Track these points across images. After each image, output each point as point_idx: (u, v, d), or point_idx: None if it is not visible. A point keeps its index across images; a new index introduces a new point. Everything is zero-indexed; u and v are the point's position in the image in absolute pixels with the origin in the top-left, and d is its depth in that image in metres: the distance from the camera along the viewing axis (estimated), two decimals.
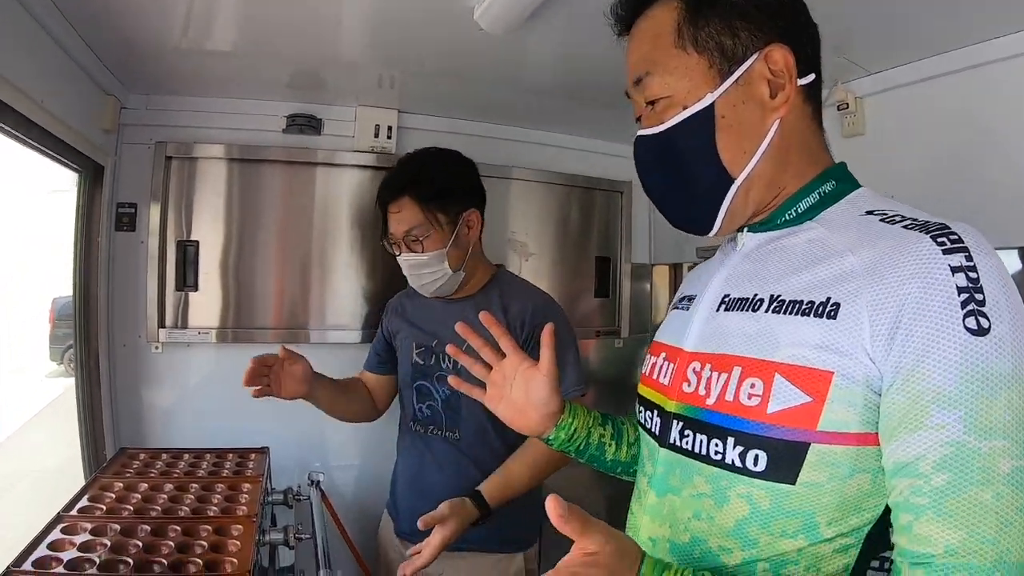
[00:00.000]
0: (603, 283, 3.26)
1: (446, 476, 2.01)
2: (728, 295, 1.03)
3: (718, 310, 1.03)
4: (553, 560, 0.83)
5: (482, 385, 1.36)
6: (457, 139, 2.25)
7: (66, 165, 2.26)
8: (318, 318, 2.71)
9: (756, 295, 0.97)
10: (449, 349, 1.43)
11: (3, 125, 1.72)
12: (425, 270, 1.95)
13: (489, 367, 1.35)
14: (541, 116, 2.87)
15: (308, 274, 2.69)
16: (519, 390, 1.28)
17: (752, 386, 0.90)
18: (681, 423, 1.01)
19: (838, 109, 2.15)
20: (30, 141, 1.92)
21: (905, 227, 0.87)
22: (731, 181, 0.98)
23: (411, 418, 2.12)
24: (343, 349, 2.69)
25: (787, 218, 1.01)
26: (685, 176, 1.01)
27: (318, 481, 2.02)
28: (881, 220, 0.91)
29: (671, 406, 1.04)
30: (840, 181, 1.01)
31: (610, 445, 1.34)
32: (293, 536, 1.69)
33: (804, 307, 0.89)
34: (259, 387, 1.88)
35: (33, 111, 1.79)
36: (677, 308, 1.19)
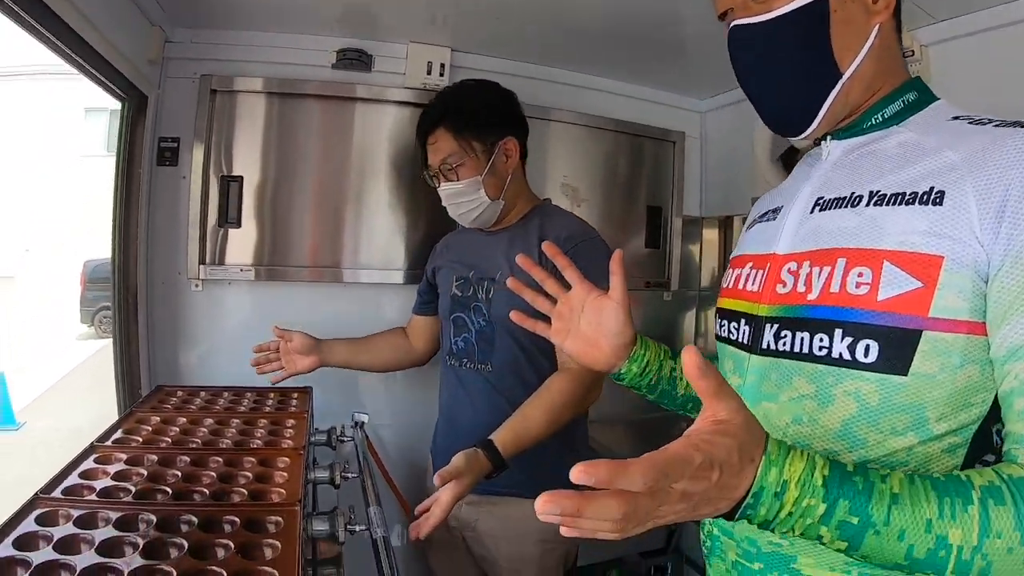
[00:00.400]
0: (654, 233, 3.16)
1: (478, 412, 1.95)
2: (822, 197, 1.01)
3: (812, 212, 1.02)
4: None
5: (546, 320, 1.30)
6: (509, 80, 2.14)
7: (111, 91, 2.19)
8: (358, 258, 2.64)
9: (854, 193, 0.96)
10: (510, 283, 1.34)
11: (56, 41, 1.68)
12: (462, 199, 1.92)
13: (553, 301, 1.29)
14: (594, 61, 2.82)
15: (350, 213, 2.62)
16: (589, 322, 1.23)
17: (860, 275, 0.88)
18: (776, 325, 0.99)
19: (904, 56, 2.03)
20: (80, 61, 1.86)
21: (996, 126, 0.88)
22: (839, 76, 0.98)
23: (447, 351, 2.08)
24: (384, 290, 2.68)
25: (873, 123, 1.01)
26: (792, 68, 1.00)
27: (362, 423, 1.95)
28: (969, 123, 0.92)
29: (763, 310, 1.02)
30: (921, 92, 1.02)
31: (681, 379, 1.30)
32: (339, 474, 1.61)
33: (907, 197, 0.88)
34: (274, 371, 1.99)
35: (84, 29, 1.73)
36: (760, 222, 1.16)
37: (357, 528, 1.37)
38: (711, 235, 3.36)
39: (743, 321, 1.07)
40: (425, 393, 2.49)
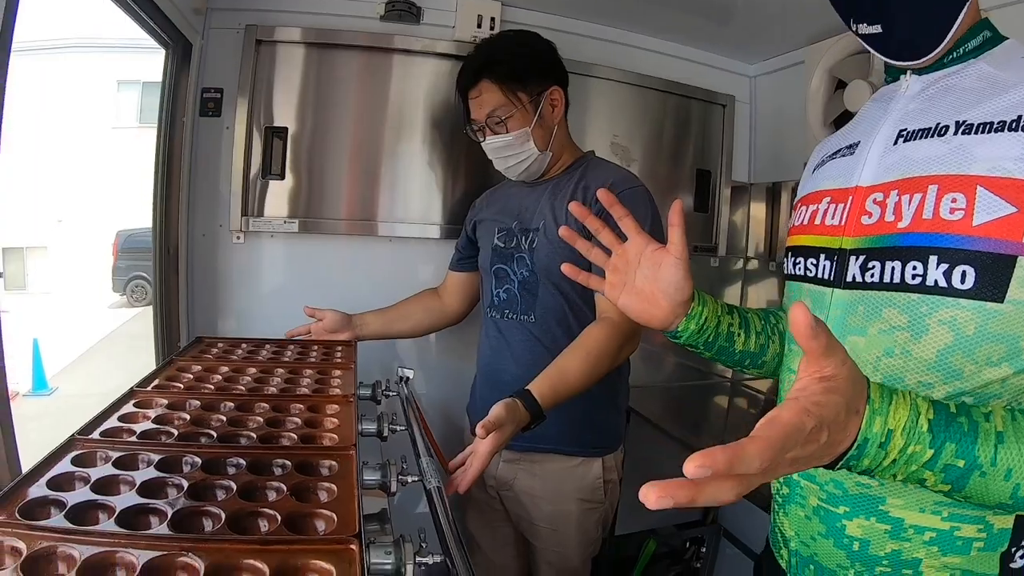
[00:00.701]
0: (703, 197, 3.10)
1: (520, 364, 1.91)
2: (905, 129, 0.99)
3: (896, 144, 0.99)
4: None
5: (599, 273, 1.25)
6: (559, 36, 2.09)
7: (156, 36, 2.17)
8: (396, 212, 2.60)
9: (939, 123, 0.94)
10: (562, 231, 1.27)
11: None
12: (511, 151, 1.87)
13: (608, 253, 1.23)
14: (643, 20, 2.80)
15: (389, 167, 2.58)
16: (646, 276, 1.17)
17: (953, 200, 0.86)
18: (863, 257, 0.96)
19: None
20: (128, 2, 1.86)
21: None
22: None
23: (489, 304, 2.04)
24: (422, 245, 2.66)
25: (955, 56, 0.99)
26: None
27: (407, 378, 1.90)
28: None
29: (847, 243, 1.00)
30: (992, 30, 1.01)
31: (739, 335, 1.24)
32: (387, 427, 1.57)
33: (995, 126, 0.87)
34: None
35: None
36: (834, 159, 1.12)
37: (409, 479, 1.32)
38: (759, 202, 3.29)
39: (823, 256, 1.04)
40: (461, 350, 2.51)
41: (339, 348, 2.01)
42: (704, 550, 2.92)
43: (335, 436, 1.33)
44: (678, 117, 3.04)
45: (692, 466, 0.59)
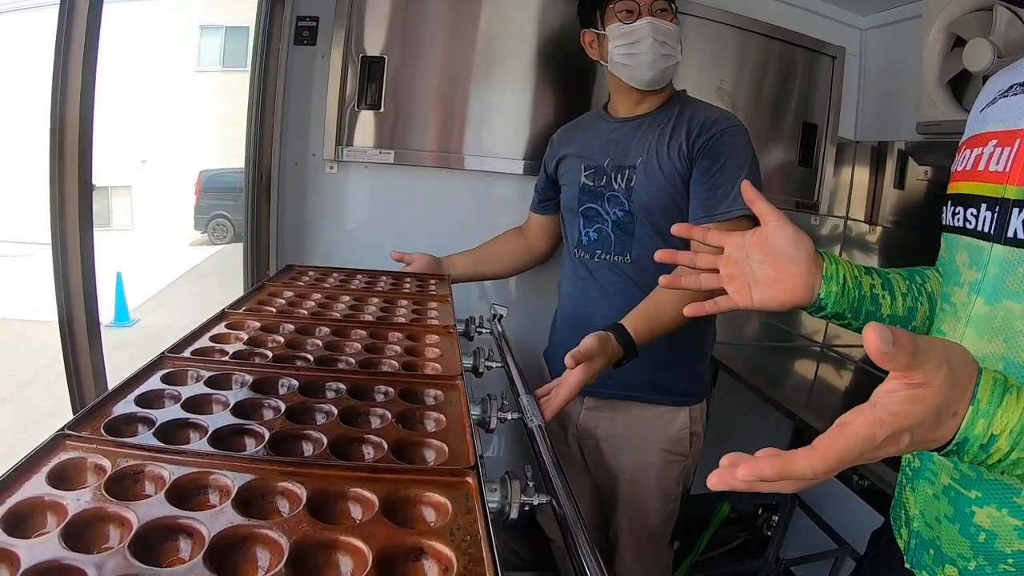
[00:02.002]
0: (807, 152, 2.94)
1: (612, 306, 1.81)
2: None
3: None
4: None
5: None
6: None
7: None
8: (482, 145, 2.55)
9: None
10: (659, 255, 1.20)
11: None
12: (671, 42, 1.77)
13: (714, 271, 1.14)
14: None
15: (476, 99, 2.52)
16: (762, 261, 1.08)
17: None
18: None
19: None
20: None
21: None
22: None
23: (575, 244, 1.95)
24: (507, 179, 2.60)
25: None
26: None
27: (501, 315, 1.83)
28: None
29: (1011, 192, 0.86)
30: None
31: (884, 296, 1.11)
32: (483, 363, 1.51)
33: None
34: None
35: None
36: (1006, 96, 0.95)
37: (509, 416, 1.26)
38: (863, 162, 3.10)
39: (984, 206, 0.90)
40: (536, 292, 2.50)
41: (433, 281, 1.97)
42: (776, 518, 2.87)
43: (438, 366, 1.27)
44: (783, 66, 2.88)
45: (740, 475, 0.62)
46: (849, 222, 3.12)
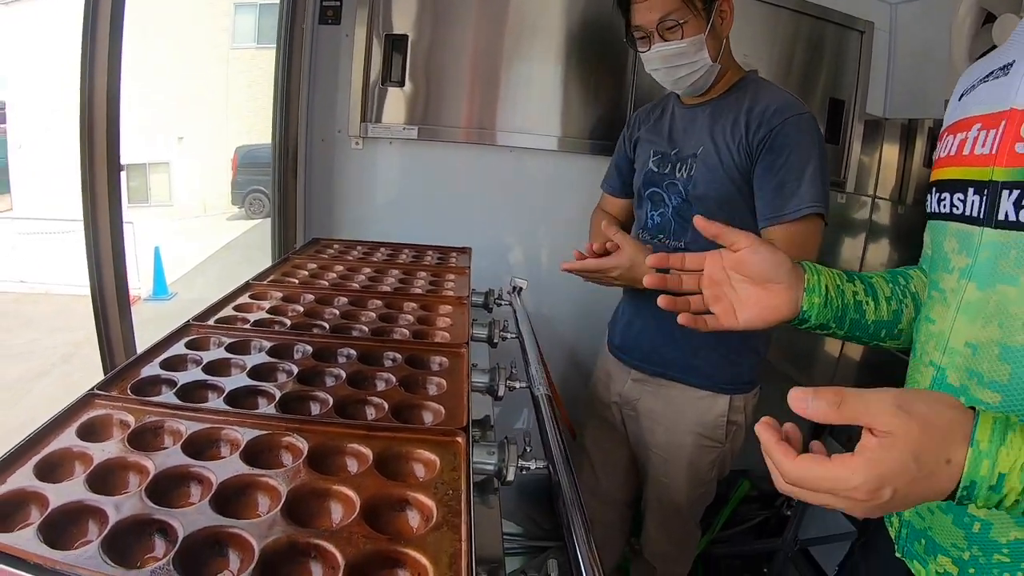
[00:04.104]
0: (834, 128, 2.90)
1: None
2: None
3: None
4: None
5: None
6: None
7: None
8: (513, 121, 2.54)
9: None
10: (647, 281, 1.14)
11: None
12: (683, 60, 1.70)
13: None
14: None
15: (506, 75, 2.51)
16: (742, 280, 1.06)
17: None
18: (1017, 191, 0.81)
19: None
20: None
21: None
22: None
23: (641, 226, 1.93)
24: (536, 155, 2.58)
25: None
26: None
27: (520, 288, 1.87)
28: None
29: (999, 175, 0.84)
30: None
31: (867, 303, 1.09)
32: (498, 333, 1.56)
33: None
34: None
35: None
36: (987, 81, 0.94)
37: (517, 385, 1.30)
38: (892, 141, 3.07)
39: (971, 190, 0.89)
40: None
41: (454, 254, 2.03)
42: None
43: (447, 335, 1.33)
44: (811, 41, 2.83)
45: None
46: (877, 200, 3.09)
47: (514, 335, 1.58)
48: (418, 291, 1.60)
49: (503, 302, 1.82)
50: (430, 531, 0.72)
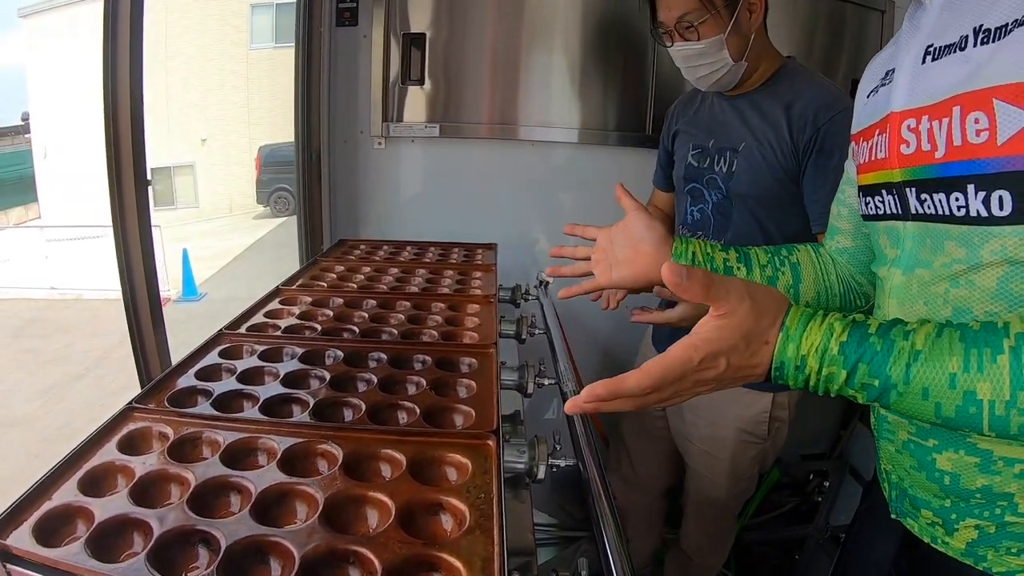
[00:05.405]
0: None
1: None
2: (932, 45, 0.88)
3: (924, 63, 0.89)
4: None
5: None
6: None
7: None
8: (535, 115, 2.54)
9: (961, 35, 0.83)
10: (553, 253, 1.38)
11: None
12: (701, 61, 1.66)
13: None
14: None
15: (527, 69, 2.51)
16: (622, 244, 1.26)
17: (976, 121, 0.77)
18: (914, 188, 0.89)
19: None
20: None
21: None
22: None
23: (681, 222, 1.92)
24: (559, 148, 2.59)
25: None
26: None
27: (547, 283, 1.87)
28: None
29: (896, 176, 0.91)
30: None
31: (739, 268, 1.21)
32: (526, 329, 1.56)
33: (1010, 26, 0.75)
34: None
35: None
36: (884, 85, 1.00)
37: (546, 382, 1.32)
38: None
39: (884, 192, 0.96)
40: None
41: (480, 250, 2.04)
42: (827, 484, 2.85)
43: (475, 335, 1.34)
44: (831, 22, 2.79)
45: (576, 404, 0.77)
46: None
47: (542, 330, 1.59)
48: (445, 290, 1.62)
49: (530, 296, 1.82)
50: (463, 535, 0.74)
